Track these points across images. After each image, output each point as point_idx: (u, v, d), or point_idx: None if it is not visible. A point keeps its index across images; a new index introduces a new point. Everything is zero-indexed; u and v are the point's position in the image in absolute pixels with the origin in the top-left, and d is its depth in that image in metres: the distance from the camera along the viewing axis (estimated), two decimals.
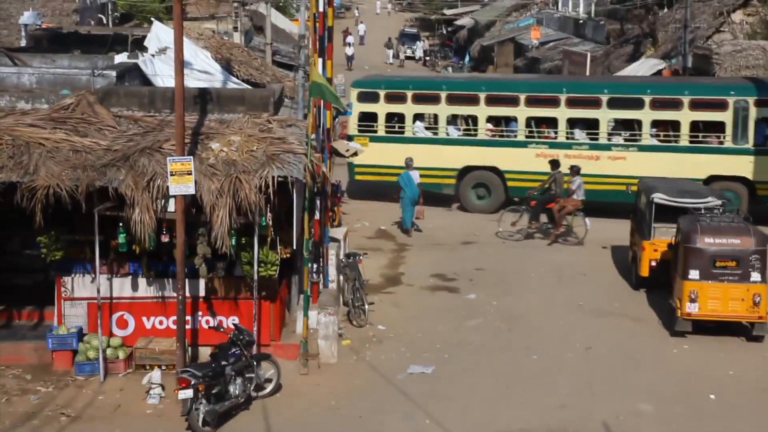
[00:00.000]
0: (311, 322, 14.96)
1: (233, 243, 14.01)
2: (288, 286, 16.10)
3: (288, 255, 15.04)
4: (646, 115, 23.60)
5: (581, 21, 44.13)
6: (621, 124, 24.17)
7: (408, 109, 24.93)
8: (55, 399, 13.58)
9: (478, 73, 49.04)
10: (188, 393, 12.45)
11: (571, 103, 23.97)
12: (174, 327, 14.26)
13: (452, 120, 24.90)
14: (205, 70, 19.36)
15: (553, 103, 24.07)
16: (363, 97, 25.22)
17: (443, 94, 24.69)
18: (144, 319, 14.87)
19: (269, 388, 13.74)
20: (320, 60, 16.12)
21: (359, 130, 25.09)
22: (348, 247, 19.14)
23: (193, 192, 13.47)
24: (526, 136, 24.24)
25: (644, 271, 18.11)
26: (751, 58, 27.33)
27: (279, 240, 14.65)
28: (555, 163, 22.41)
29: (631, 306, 17.86)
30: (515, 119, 24.47)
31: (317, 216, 16.19)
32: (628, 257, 19.77)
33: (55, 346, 14.45)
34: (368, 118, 25.08)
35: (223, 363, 13.08)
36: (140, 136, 14.70)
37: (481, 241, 22.38)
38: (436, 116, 25.00)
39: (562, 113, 23.99)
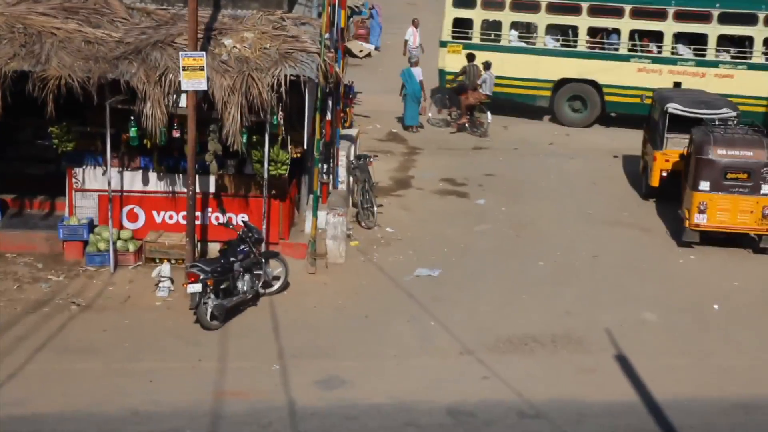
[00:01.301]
0: (320, 223, 15.03)
1: (244, 141, 14.00)
2: (298, 186, 16.13)
3: (299, 155, 15.03)
4: (759, 32, 22.64)
5: None
6: (730, 41, 23.27)
7: (505, 16, 23.91)
8: (65, 288, 13.78)
9: None
10: (197, 287, 12.61)
11: (680, 16, 22.94)
12: (184, 222, 14.37)
13: (550, 30, 24.00)
14: None
15: (660, 16, 23.06)
16: (458, 2, 24.23)
17: (544, 3, 23.54)
18: (154, 213, 14.95)
19: (277, 285, 13.90)
20: None
21: (453, 37, 24.26)
22: (359, 149, 19.10)
23: (205, 88, 13.40)
24: (629, 50, 23.45)
25: (654, 182, 18.07)
26: None
27: (290, 139, 14.61)
28: (470, 57, 23.46)
29: (639, 216, 17.88)
30: (616, 32, 23.55)
31: (329, 116, 16.11)
32: (639, 167, 19.71)
33: (66, 236, 14.59)
34: (462, 24, 24.22)
35: (232, 259, 13.20)
36: (153, 30, 14.53)
37: (492, 147, 22.30)
38: (533, 25, 24.04)
39: (669, 27, 23.02)
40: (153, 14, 15.15)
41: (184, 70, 13.18)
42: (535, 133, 23.44)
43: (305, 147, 15.04)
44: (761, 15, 22.64)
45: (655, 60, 23.33)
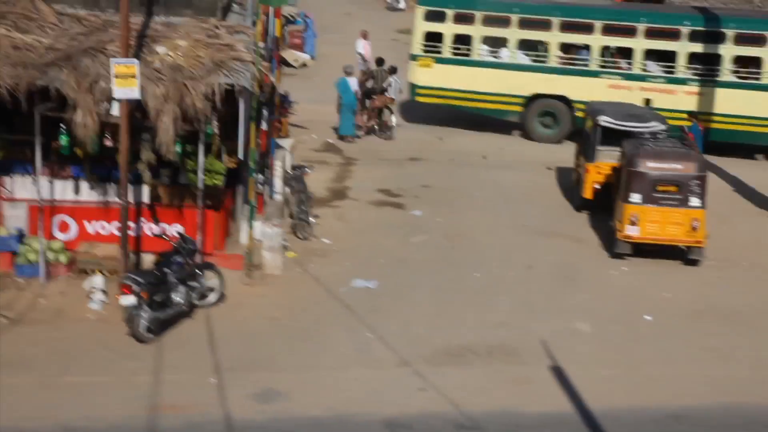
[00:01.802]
0: (256, 234, 14.91)
1: (178, 150, 13.83)
2: (233, 197, 15.97)
3: (234, 165, 14.90)
4: (727, 50, 22.75)
5: None
6: (698, 59, 23.27)
7: (476, 30, 23.87)
8: None
9: None
10: (130, 299, 12.39)
11: (650, 33, 23.13)
12: (117, 233, 14.11)
13: (521, 45, 24.00)
14: None
15: (631, 32, 23.21)
16: (429, 16, 24.15)
17: (515, 17, 23.59)
18: (86, 223, 14.67)
19: (213, 297, 13.73)
20: None
21: (424, 51, 24.20)
22: (294, 159, 19.01)
23: (138, 96, 13.19)
24: (600, 66, 23.55)
25: (587, 194, 18.32)
26: None
27: (225, 149, 14.49)
28: (379, 61, 24.31)
29: (572, 227, 18.11)
30: (587, 47, 23.72)
31: (264, 126, 16.00)
32: (572, 179, 19.97)
33: None
34: (433, 38, 24.12)
35: (167, 270, 13.01)
36: (84, 36, 14.27)
37: (428, 158, 22.38)
38: (504, 40, 23.98)
39: (639, 44, 23.17)
40: (84, 20, 14.87)
41: (116, 77, 12.94)
42: (471, 145, 23.59)
43: (240, 157, 14.91)
44: (730, 33, 22.80)
45: (626, 76, 23.44)
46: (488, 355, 12.92)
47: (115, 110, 13.46)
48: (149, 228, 14.66)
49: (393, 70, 24.04)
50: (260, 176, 15.99)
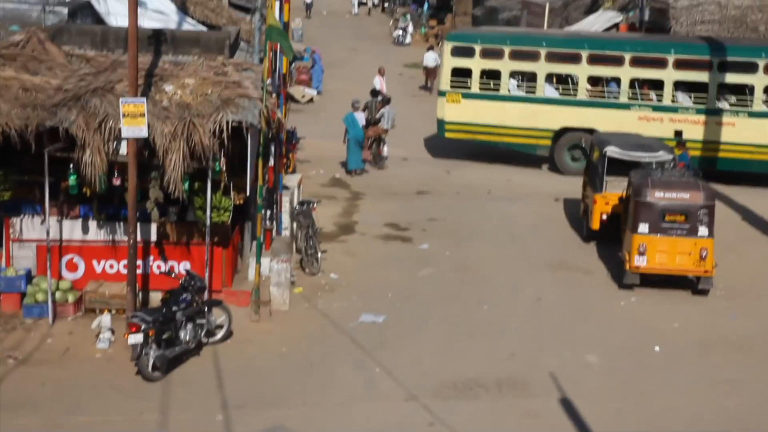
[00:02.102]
0: (263, 269, 14.93)
1: (186, 188, 13.89)
2: (241, 233, 16.03)
3: (241, 201, 14.96)
4: (759, 80, 22.57)
5: None
6: (730, 89, 23.10)
7: (504, 65, 23.90)
8: (2, 341, 13.45)
9: (484, 27, 48.71)
10: (138, 338, 12.40)
11: (680, 65, 23.00)
12: (125, 271, 14.15)
13: (550, 79, 23.99)
14: (159, 10, 18.96)
15: (661, 64, 23.08)
16: (456, 52, 24.21)
17: (543, 52, 23.64)
18: (94, 262, 14.73)
19: (220, 334, 13.73)
20: (277, 3, 15.88)
21: (451, 86, 24.23)
22: (302, 195, 19.07)
23: (146, 135, 13.29)
24: (629, 98, 23.42)
25: (595, 224, 18.29)
26: (707, 13, 27.42)
27: (232, 186, 14.55)
28: (373, 92, 25.15)
29: (581, 258, 18.07)
30: (616, 80, 23.56)
31: (271, 162, 16.09)
32: (579, 210, 19.95)
33: (2, 288, 14.27)
34: (461, 74, 24.15)
35: (174, 308, 13.02)
36: (92, 76, 14.41)
37: (435, 191, 22.42)
38: (533, 74, 23.89)
39: (669, 75, 23.03)
40: (92, 60, 15.04)
41: (124, 116, 13.06)
42: (478, 178, 23.63)
43: (248, 193, 14.97)
44: (761, 63, 22.61)
45: (656, 108, 23.31)
46: (497, 389, 12.86)
47: (124, 149, 13.57)
48: (157, 266, 14.70)
49: (386, 101, 24.51)
50: (268, 212, 16.04)
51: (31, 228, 14.55)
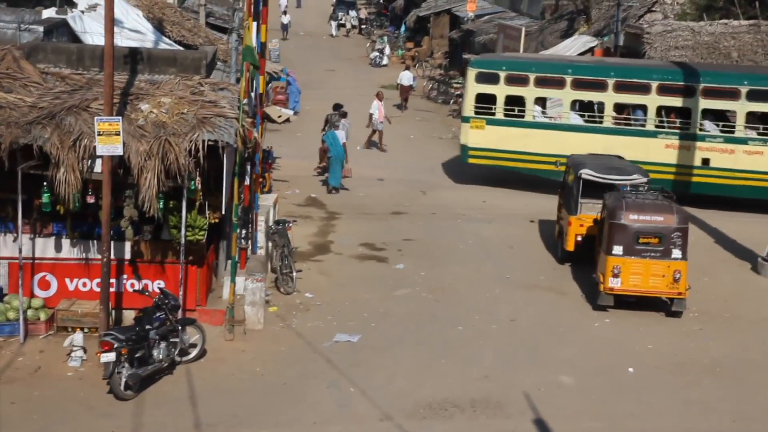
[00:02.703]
0: (238, 288, 14.88)
1: (161, 206, 13.84)
2: (216, 252, 15.98)
3: (216, 220, 14.92)
4: None
5: None
6: (758, 118, 23.10)
7: (529, 92, 23.79)
8: None
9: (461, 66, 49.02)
10: (111, 356, 12.31)
11: (708, 93, 22.87)
12: (98, 289, 14.04)
13: (574, 105, 23.87)
14: (136, 29, 19.00)
15: (688, 92, 22.98)
16: (481, 78, 24.12)
17: (568, 79, 23.60)
18: (67, 280, 14.62)
19: (194, 353, 13.65)
20: (254, 24, 15.92)
21: (476, 112, 24.11)
22: (277, 214, 19.05)
23: (121, 153, 13.25)
24: (656, 126, 23.32)
25: (570, 246, 18.39)
26: (680, 38, 27.74)
27: (208, 204, 14.51)
28: (336, 107, 25.71)
29: (555, 280, 18.14)
30: (642, 107, 23.51)
31: (247, 181, 16.07)
32: (554, 231, 20.05)
33: None
34: (485, 100, 24.04)
35: (147, 327, 12.95)
36: (67, 94, 14.37)
37: (410, 211, 22.47)
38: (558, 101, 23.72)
39: (697, 103, 22.86)
40: (68, 79, 15.00)
41: (99, 135, 13.01)
42: (453, 198, 23.71)
43: (223, 212, 14.93)
44: None
45: (683, 136, 23.22)
46: (472, 409, 12.85)
47: (98, 167, 13.51)
48: (131, 284, 14.61)
49: (344, 115, 25.16)
50: (243, 231, 16.00)
51: (3, 245, 14.44)
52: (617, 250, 16.23)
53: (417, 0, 54.87)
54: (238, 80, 16.07)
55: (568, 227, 18.39)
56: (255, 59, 14.97)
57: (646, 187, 17.98)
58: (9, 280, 14.42)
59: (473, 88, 24.29)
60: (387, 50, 47.19)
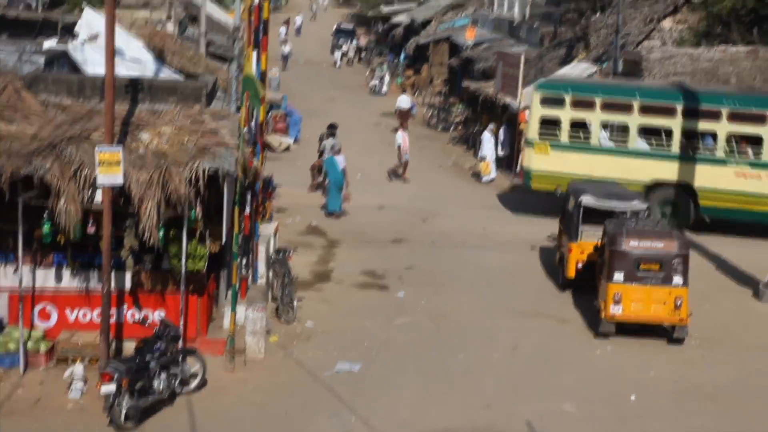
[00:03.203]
0: (239, 318, 14.85)
1: (161, 236, 13.84)
2: (216, 281, 15.96)
3: (217, 249, 14.91)
4: None
5: (516, 23, 44.53)
6: None
7: (596, 116, 23.39)
8: None
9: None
10: (111, 387, 12.26)
11: None
12: (98, 320, 14.01)
13: (642, 130, 23.12)
14: (136, 59, 19.02)
15: (761, 120, 22.35)
16: (546, 101, 23.69)
17: (636, 103, 23.06)
18: (67, 311, 14.60)
19: (194, 383, 13.60)
20: (255, 53, 16.00)
21: (540, 136, 23.82)
22: (278, 243, 19.04)
23: (122, 183, 13.26)
24: (726, 154, 22.62)
25: (571, 273, 18.35)
26: (678, 65, 27.84)
27: (208, 234, 14.50)
28: (330, 126, 26.67)
29: (557, 307, 18.10)
30: (712, 134, 22.85)
31: (247, 210, 16.08)
32: (555, 259, 20.03)
33: None
34: (550, 123, 23.73)
35: (148, 357, 12.91)
36: (68, 125, 14.40)
37: (411, 239, 22.45)
38: (625, 126, 23.31)
39: None
40: (69, 109, 15.05)
41: (100, 165, 13.02)
42: (453, 226, 23.71)
43: (224, 241, 14.94)
44: None
45: (755, 165, 22.62)
46: None
47: (99, 197, 13.52)
48: (131, 314, 14.59)
49: (332, 133, 26.24)
50: (243, 260, 15.99)
51: (3, 276, 14.41)
52: (618, 276, 16.20)
53: (416, 28, 55.23)
54: (238, 109, 16.12)
55: (569, 254, 18.36)
56: (257, 88, 15.02)
57: (646, 214, 18.00)
58: (9, 311, 14.38)
59: (538, 111, 23.92)
60: (386, 78, 47.39)
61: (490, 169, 29.31)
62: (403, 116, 36.07)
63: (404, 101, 36.80)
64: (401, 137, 28.75)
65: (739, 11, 29.61)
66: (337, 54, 56.08)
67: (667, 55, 28.20)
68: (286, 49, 51.95)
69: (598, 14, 37.05)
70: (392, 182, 28.25)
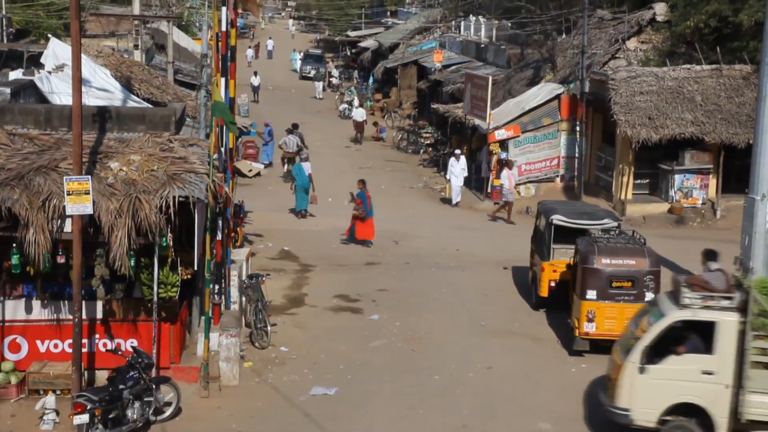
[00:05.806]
0: (212, 344, 14.75)
1: (132, 264, 13.74)
2: (189, 308, 15.84)
3: (189, 276, 14.82)
4: None
5: (483, 45, 44.84)
6: None
7: None
8: None
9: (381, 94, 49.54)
10: (84, 418, 12.14)
11: None
12: (70, 350, 13.84)
13: None
14: (104, 88, 19.00)
15: None
16: None
17: None
18: (38, 342, 14.43)
19: (168, 411, 13.48)
20: (223, 80, 15.99)
21: None
22: (251, 268, 18.97)
23: (91, 212, 13.18)
24: None
25: (544, 292, 18.42)
26: (645, 84, 28.10)
27: (180, 261, 14.43)
28: (294, 125, 31.39)
29: (531, 326, 18.14)
30: None
31: (219, 237, 16.01)
32: (528, 278, 20.09)
33: None
34: None
35: (121, 387, 12.79)
36: (36, 155, 14.32)
37: (384, 261, 22.45)
38: None
39: None
40: (36, 139, 14.95)
41: (68, 194, 12.94)
42: (426, 247, 23.74)
43: (196, 268, 14.86)
44: None
45: None
46: None
47: (68, 227, 13.42)
48: (103, 344, 14.45)
49: (290, 132, 31.46)
50: (216, 286, 15.90)
51: None
52: (591, 294, 16.27)
53: (384, 52, 55.48)
54: (207, 136, 16.09)
55: (542, 273, 18.43)
56: (227, 114, 15.01)
57: (617, 231, 18.11)
58: None
59: None
60: (355, 102, 47.52)
61: (449, 192, 29.72)
62: (358, 127, 40.33)
63: (359, 114, 41.00)
64: (506, 176, 27.34)
65: (702, 30, 30.00)
66: (318, 86, 54.97)
67: (633, 75, 28.49)
68: (256, 81, 51.21)
69: (563, 35, 37.47)
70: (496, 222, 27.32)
